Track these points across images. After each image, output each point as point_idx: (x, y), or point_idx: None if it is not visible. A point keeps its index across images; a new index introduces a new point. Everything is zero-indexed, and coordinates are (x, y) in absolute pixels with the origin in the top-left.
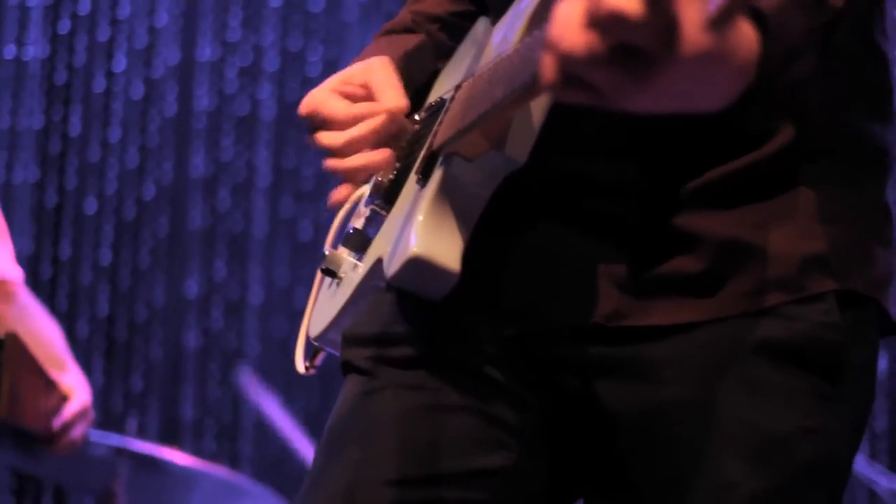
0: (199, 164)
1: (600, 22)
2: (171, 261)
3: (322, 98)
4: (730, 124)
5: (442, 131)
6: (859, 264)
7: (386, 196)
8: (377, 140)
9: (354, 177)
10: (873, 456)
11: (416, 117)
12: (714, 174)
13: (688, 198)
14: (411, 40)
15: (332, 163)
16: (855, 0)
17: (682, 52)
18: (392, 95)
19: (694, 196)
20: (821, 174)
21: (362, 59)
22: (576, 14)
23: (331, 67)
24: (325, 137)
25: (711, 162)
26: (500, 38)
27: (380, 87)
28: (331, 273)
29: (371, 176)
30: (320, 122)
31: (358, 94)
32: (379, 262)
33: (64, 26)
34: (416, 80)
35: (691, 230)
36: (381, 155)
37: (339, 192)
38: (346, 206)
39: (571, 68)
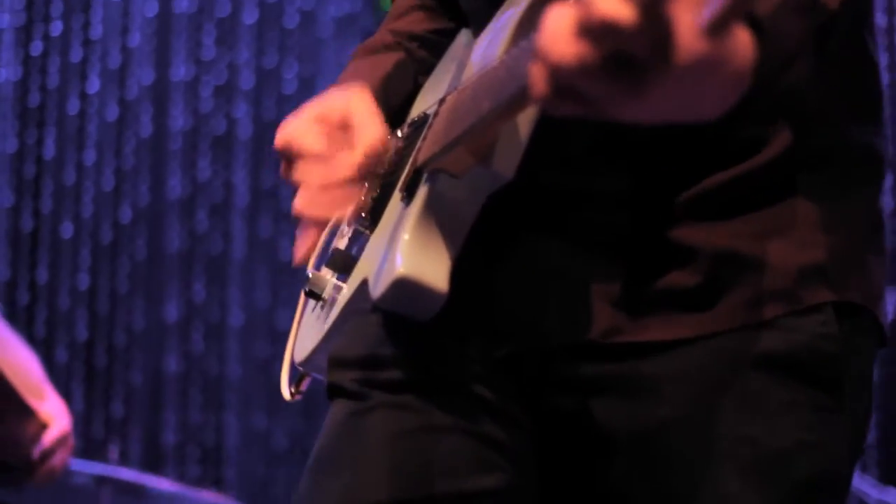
0: (175, 186)
1: (592, 30)
2: (150, 284)
3: (300, 131)
4: (724, 132)
5: (426, 147)
6: (856, 274)
7: (369, 215)
8: (353, 181)
9: (319, 223)
10: (863, 468)
11: (399, 133)
12: (708, 184)
13: (681, 209)
14: (389, 60)
15: (300, 206)
16: (850, 2)
17: (677, 60)
18: (372, 130)
19: (688, 207)
20: (816, 183)
21: (341, 81)
22: (566, 22)
23: (306, 84)
24: (302, 171)
25: (705, 171)
26: (484, 49)
27: (360, 120)
28: (315, 295)
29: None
30: (295, 155)
31: (336, 128)
32: (364, 283)
33: (36, 48)
34: (396, 101)
35: (686, 242)
36: (350, 204)
37: (302, 250)
38: (329, 226)
39: (563, 79)
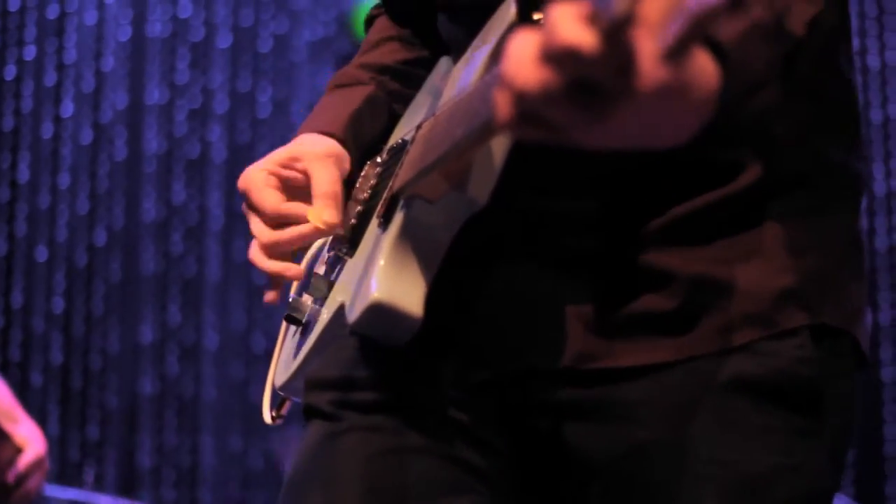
0: (150, 209)
1: (555, 57)
2: (125, 307)
3: (257, 183)
4: (696, 159)
5: (402, 173)
6: (832, 297)
7: (348, 240)
8: (299, 247)
9: (272, 277)
10: (840, 488)
11: (378, 160)
12: (683, 210)
13: (657, 234)
14: (359, 94)
15: (254, 257)
16: (817, 28)
17: (639, 86)
18: (327, 208)
19: (663, 232)
20: (791, 207)
21: (313, 118)
22: (529, 50)
23: (280, 108)
24: (254, 225)
25: (680, 197)
26: (461, 76)
27: (318, 192)
28: (295, 321)
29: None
30: (251, 207)
31: (297, 182)
32: (341, 308)
33: (10, 72)
34: (368, 133)
35: (661, 267)
36: (297, 271)
37: (269, 296)
38: (310, 252)
39: (527, 106)
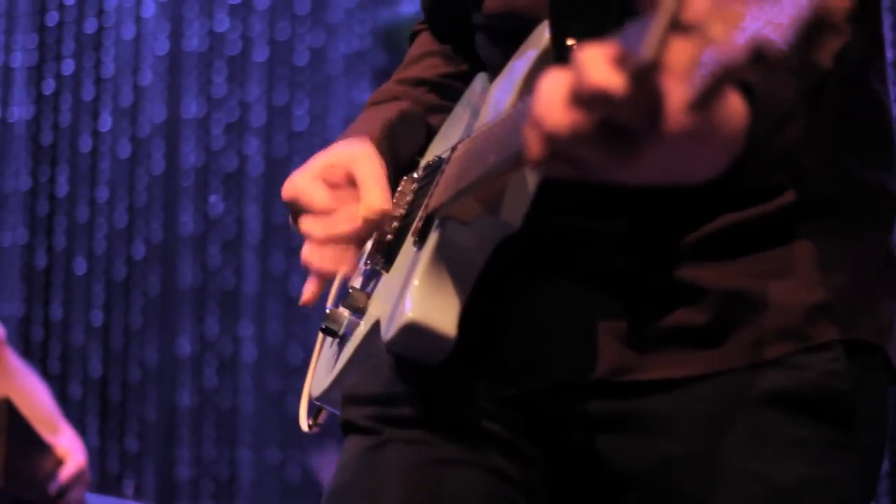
0: (188, 222)
1: (584, 99)
2: (163, 320)
3: (304, 185)
4: (728, 183)
5: (437, 194)
6: (865, 312)
7: (385, 254)
8: (355, 240)
9: (323, 276)
10: (875, 498)
11: (415, 175)
12: (716, 226)
13: (689, 249)
14: (394, 108)
15: (306, 257)
16: (845, 58)
17: (667, 129)
18: (375, 194)
19: (695, 247)
20: (824, 225)
21: (348, 135)
22: (559, 91)
23: (317, 121)
24: (306, 224)
25: (713, 214)
26: (497, 97)
27: (364, 182)
28: (331, 332)
29: (335, 276)
30: (301, 209)
31: (341, 184)
32: (377, 323)
33: (48, 86)
34: (403, 147)
35: (693, 281)
36: (351, 264)
37: (308, 293)
38: (339, 278)
39: (556, 146)
